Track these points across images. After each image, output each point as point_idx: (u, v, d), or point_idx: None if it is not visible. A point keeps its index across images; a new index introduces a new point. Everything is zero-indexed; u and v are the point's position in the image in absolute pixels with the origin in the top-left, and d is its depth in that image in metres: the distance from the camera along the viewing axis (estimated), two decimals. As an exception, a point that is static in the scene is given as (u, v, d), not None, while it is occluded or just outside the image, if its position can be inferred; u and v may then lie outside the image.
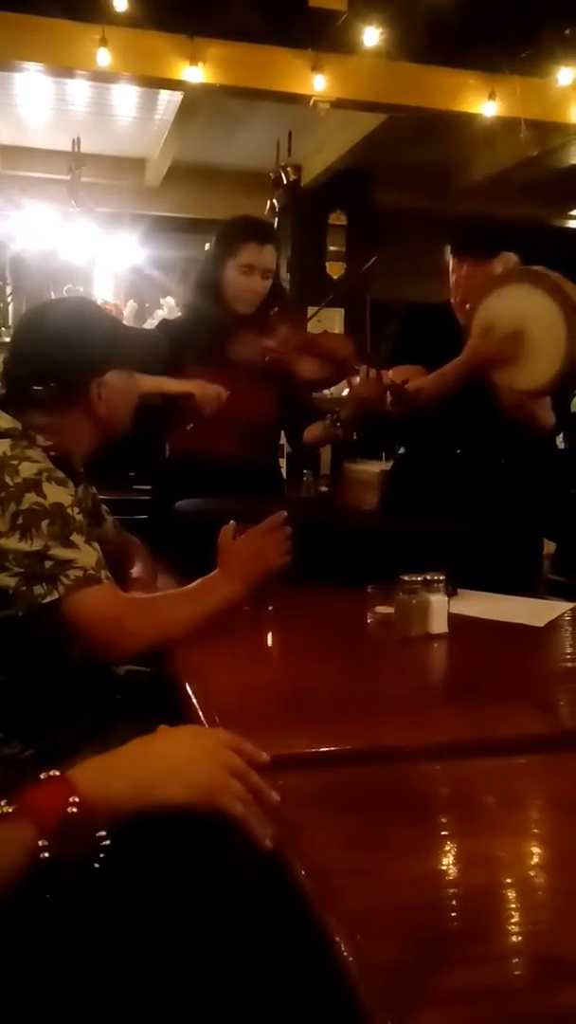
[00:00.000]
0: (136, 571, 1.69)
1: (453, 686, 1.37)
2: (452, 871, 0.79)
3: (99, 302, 5.63)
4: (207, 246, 2.48)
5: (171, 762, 0.82)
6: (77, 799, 0.75)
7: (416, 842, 0.81)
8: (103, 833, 0.75)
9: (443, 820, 0.88)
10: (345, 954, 0.63)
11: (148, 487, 3.12)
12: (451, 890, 0.75)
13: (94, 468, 1.69)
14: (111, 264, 6.70)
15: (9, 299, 6.42)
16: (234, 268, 2.33)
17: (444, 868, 0.80)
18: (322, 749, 1.02)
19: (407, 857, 0.78)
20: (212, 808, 0.79)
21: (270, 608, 1.61)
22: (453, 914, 0.71)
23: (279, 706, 1.19)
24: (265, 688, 1.28)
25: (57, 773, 0.78)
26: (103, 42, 4.04)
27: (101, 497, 1.78)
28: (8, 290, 6.44)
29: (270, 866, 0.79)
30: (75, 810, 0.74)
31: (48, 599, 1.32)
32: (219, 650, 1.39)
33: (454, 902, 0.73)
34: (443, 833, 0.86)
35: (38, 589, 1.32)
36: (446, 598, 1.47)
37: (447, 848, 0.83)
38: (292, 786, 0.88)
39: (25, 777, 0.81)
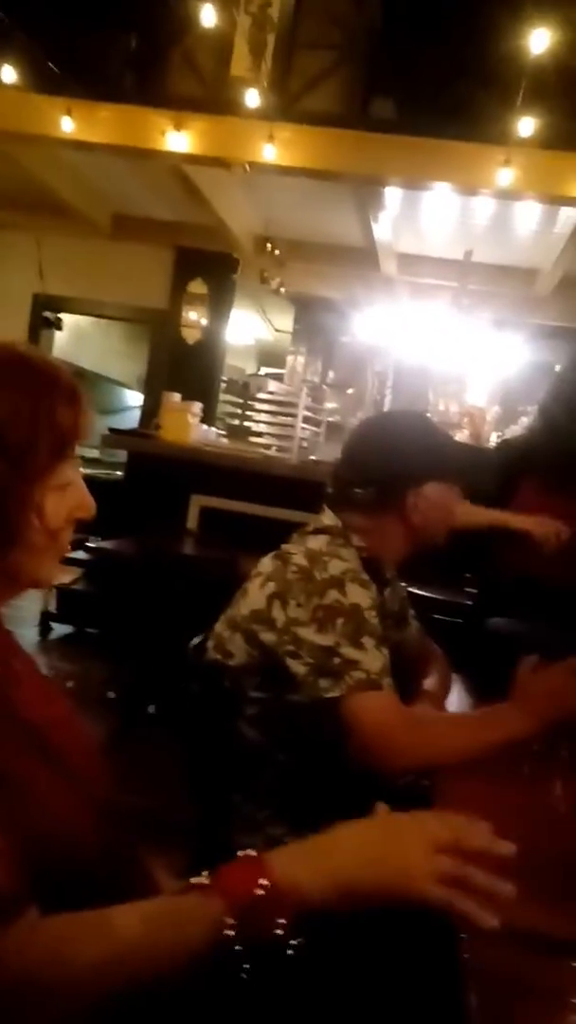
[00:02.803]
0: (429, 683, 1.66)
1: None
2: None
3: (464, 407, 5.75)
4: (557, 368, 2.42)
5: (362, 851, 0.78)
6: (266, 882, 0.75)
7: None
8: (283, 921, 0.74)
9: None
10: None
11: (476, 592, 3.07)
12: None
13: (428, 563, 1.70)
14: (487, 370, 6.82)
15: (387, 397, 6.82)
16: None
17: None
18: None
19: None
20: (409, 896, 0.74)
21: (563, 754, 1.47)
22: None
23: (544, 877, 1.03)
24: (532, 850, 1.12)
25: (253, 853, 0.78)
26: (507, 163, 4.21)
27: (425, 594, 1.79)
28: (388, 388, 6.85)
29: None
30: (262, 892, 0.74)
31: (330, 694, 1.35)
32: (491, 791, 1.29)
33: None
34: None
35: (323, 683, 1.36)
36: None
37: None
38: (520, 964, 0.78)
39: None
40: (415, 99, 4.48)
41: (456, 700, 1.67)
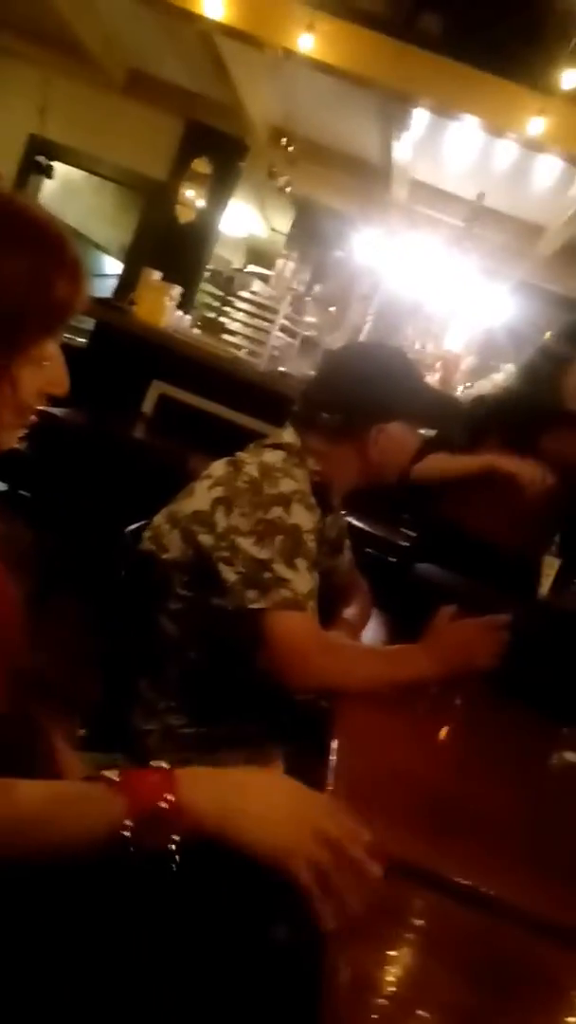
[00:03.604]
0: (349, 612, 1.70)
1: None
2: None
3: (441, 350, 5.71)
4: (547, 335, 2.42)
5: (264, 808, 0.82)
6: (172, 797, 0.78)
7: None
8: (176, 839, 0.77)
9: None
10: None
11: (413, 535, 3.13)
12: None
13: (372, 498, 1.71)
14: (471, 318, 6.76)
15: (368, 321, 6.72)
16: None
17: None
18: (443, 874, 0.93)
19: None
20: (280, 868, 0.78)
21: (458, 702, 1.54)
22: None
23: (416, 810, 1.11)
24: (412, 784, 1.20)
25: (166, 766, 0.81)
26: (541, 112, 4.09)
27: (363, 527, 1.81)
28: (369, 315, 6.75)
29: (313, 948, 0.76)
30: (165, 806, 0.77)
31: (254, 605, 1.38)
32: (385, 724, 1.35)
33: None
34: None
35: (250, 593, 1.38)
36: None
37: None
38: (392, 897, 0.83)
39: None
40: (463, 24, 4.29)
41: (370, 634, 1.72)
